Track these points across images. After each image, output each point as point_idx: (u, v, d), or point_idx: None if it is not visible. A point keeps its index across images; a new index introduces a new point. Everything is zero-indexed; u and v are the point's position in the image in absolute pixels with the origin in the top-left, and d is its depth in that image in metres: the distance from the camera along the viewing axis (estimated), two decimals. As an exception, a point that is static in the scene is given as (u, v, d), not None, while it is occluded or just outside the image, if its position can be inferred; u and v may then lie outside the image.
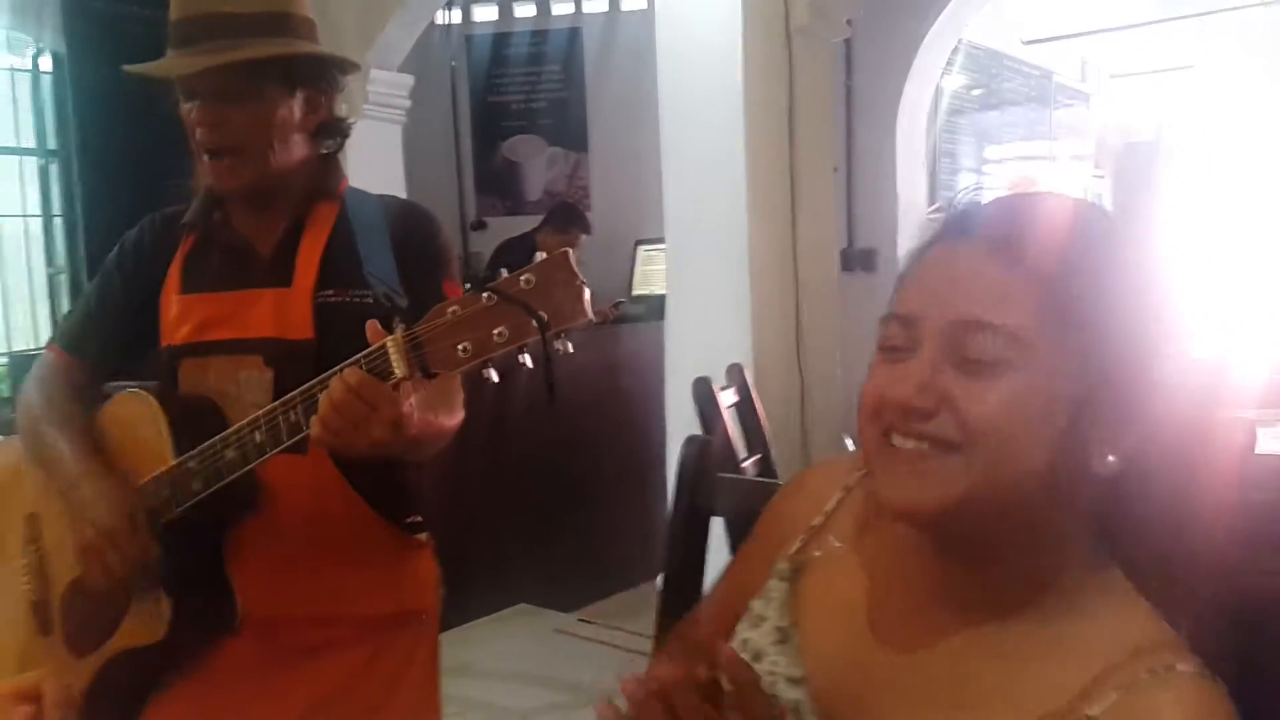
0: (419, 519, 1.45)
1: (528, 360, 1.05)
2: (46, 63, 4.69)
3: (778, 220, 3.19)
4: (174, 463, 1.24)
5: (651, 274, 4.69)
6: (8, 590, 1.41)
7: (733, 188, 3.09)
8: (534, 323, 1.00)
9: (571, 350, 1.04)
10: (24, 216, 4.79)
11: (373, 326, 1.09)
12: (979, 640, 0.76)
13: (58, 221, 4.78)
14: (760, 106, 3.12)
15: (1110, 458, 0.72)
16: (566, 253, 1.04)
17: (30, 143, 4.78)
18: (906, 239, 3.23)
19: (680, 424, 3.09)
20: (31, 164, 4.81)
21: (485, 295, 1.02)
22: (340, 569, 1.36)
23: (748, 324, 3.07)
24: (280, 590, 1.32)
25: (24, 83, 4.74)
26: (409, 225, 1.40)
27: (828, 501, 0.92)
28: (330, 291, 1.33)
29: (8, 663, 1.41)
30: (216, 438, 1.21)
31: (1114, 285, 0.72)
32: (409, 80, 4.12)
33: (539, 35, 5.55)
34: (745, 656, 0.83)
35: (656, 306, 3.91)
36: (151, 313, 1.38)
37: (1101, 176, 7.07)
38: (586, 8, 5.54)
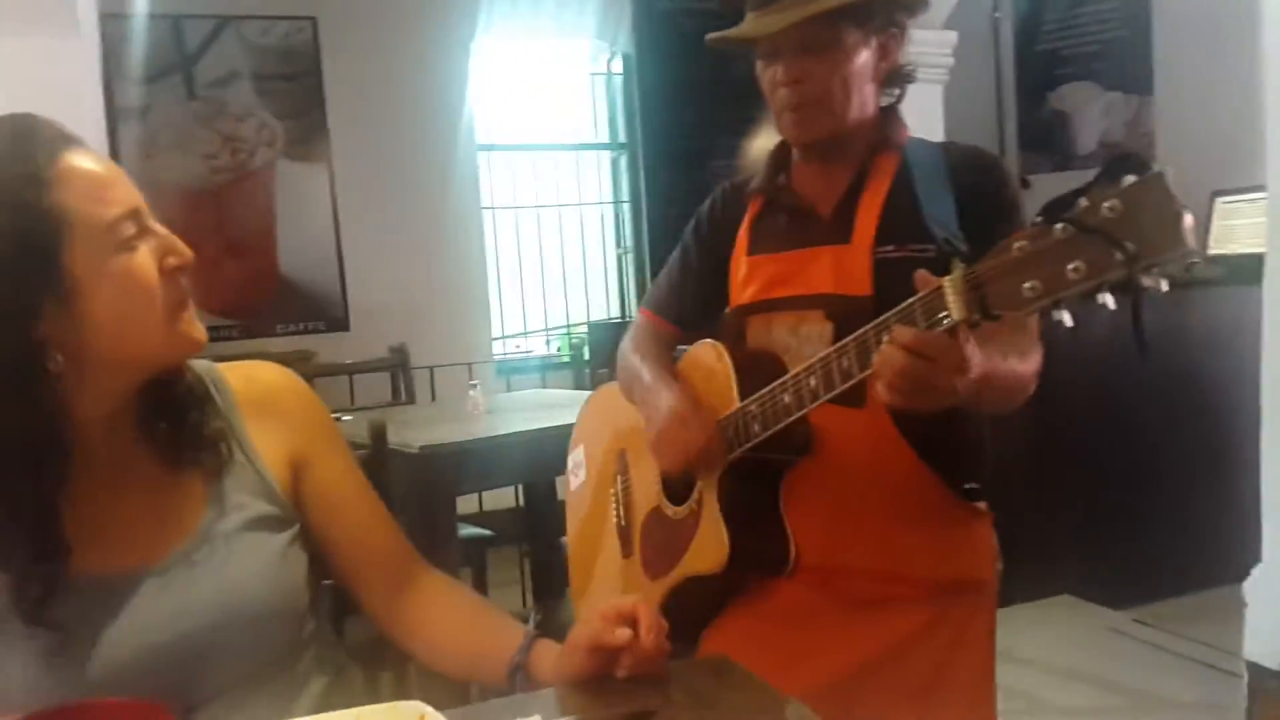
0: (976, 486, 1.38)
1: (1109, 300, 0.92)
2: (618, 65, 5.31)
3: None
4: (738, 405, 1.31)
5: (1233, 229, 4.02)
6: (605, 516, 1.60)
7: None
8: (1119, 255, 0.88)
9: (1166, 289, 0.89)
10: (599, 204, 5.50)
11: (921, 277, 1.05)
12: None
13: (625, 208, 5.41)
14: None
15: None
16: (1161, 173, 0.90)
17: (605, 138, 5.46)
18: None
19: (1281, 403, 2.60)
20: (605, 157, 5.50)
21: (1059, 226, 0.92)
22: (897, 526, 1.33)
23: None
24: (835, 539, 1.33)
25: (600, 85, 5.43)
26: (974, 172, 1.35)
27: None
28: (890, 247, 1.31)
29: (606, 580, 1.59)
30: (775, 383, 1.25)
31: None
32: (952, 37, 3.95)
33: (1093, -28, 5.03)
34: None
35: (1240, 267, 3.34)
36: (723, 276, 1.47)
37: None
38: (1153, -67, 4.90)
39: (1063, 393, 3.31)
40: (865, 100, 1.35)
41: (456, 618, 1.09)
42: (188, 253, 0.95)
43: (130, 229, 0.91)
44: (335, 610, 1.22)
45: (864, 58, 1.33)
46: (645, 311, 1.60)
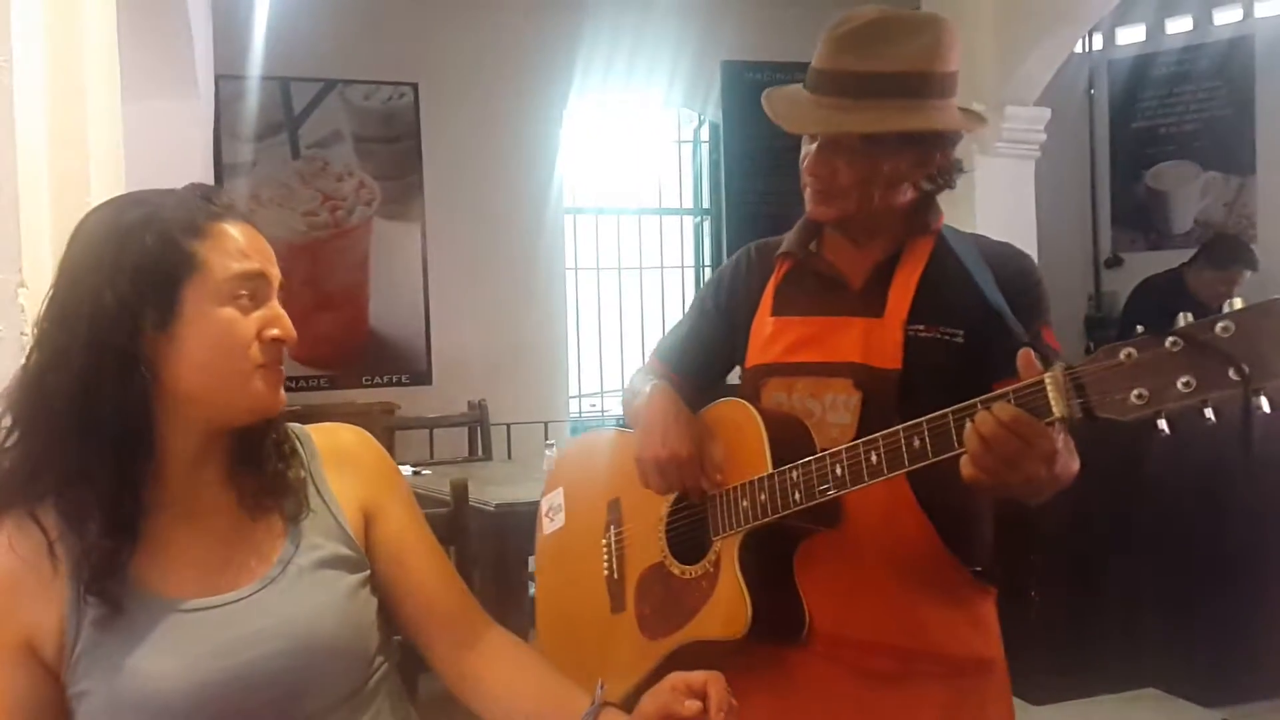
0: (982, 569, 1.36)
1: (1211, 415, 0.94)
2: (705, 133, 5.41)
3: None
4: (775, 470, 1.27)
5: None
6: (591, 566, 1.54)
7: None
8: (1233, 374, 0.90)
9: (1268, 410, 0.92)
10: (680, 268, 5.56)
11: (1026, 357, 1.04)
12: None
13: (705, 271, 5.47)
14: None
15: None
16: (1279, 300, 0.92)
17: (689, 203, 5.55)
18: None
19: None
20: (688, 222, 5.57)
21: (1170, 340, 0.93)
22: (912, 600, 1.31)
23: None
24: (849, 610, 1.31)
25: (686, 152, 5.53)
26: (1008, 268, 1.35)
27: None
28: (921, 326, 1.31)
29: (584, 631, 1.54)
30: (826, 453, 1.22)
31: None
32: (1045, 114, 3.93)
33: (1193, 50, 4.98)
34: None
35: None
36: (738, 335, 1.46)
37: None
38: (1259, 11, 4.84)
39: (1155, 479, 3.20)
40: (895, 195, 1.34)
41: (522, 678, 1.10)
42: (291, 333, 1.03)
43: (246, 292, 0.99)
44: (407, 667, 1.24)
45: (897, 164, 1.32)
46: (653, 359, 1.59)
